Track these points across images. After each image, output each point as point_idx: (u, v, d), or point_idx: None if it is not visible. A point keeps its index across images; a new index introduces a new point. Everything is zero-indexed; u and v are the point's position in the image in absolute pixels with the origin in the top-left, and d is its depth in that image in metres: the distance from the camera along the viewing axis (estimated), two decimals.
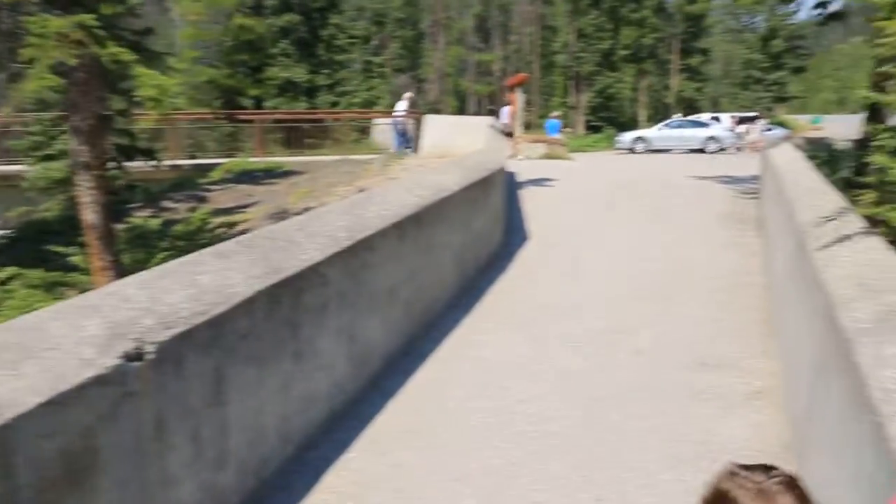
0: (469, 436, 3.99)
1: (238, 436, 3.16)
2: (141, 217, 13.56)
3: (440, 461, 3.71)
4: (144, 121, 13.20)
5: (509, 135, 20.37)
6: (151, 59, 10.62)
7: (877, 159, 8.75)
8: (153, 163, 13.04)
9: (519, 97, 22.02)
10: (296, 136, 20.53)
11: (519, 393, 4.55)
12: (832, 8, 14.21)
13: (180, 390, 2.74)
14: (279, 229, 4.13)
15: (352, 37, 32.56)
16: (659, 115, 34.01)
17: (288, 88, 27.70)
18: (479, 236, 7.70)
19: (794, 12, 42.34)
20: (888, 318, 2.74)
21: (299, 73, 27.92)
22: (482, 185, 7.61)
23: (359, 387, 4.47)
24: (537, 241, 8.99)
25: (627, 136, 25.87)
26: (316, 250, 3.96)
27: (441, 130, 17.06)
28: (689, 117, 28.01)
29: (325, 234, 4.21)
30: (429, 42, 44.96)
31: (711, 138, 24.42)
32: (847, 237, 4.25)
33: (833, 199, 5.47)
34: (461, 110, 39.42)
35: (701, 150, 23.67)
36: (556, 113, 25.99)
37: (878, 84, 11.08)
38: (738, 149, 22.94)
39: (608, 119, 36.14)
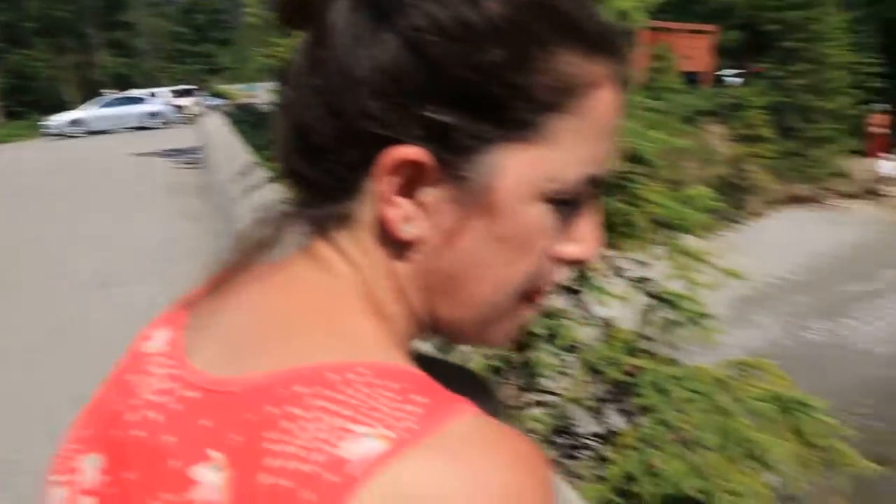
0: None
1: None
2: None
3: None
4: None
5: None
6: None
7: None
8: None
9: None
10: None
11: None
12: None
13: None
14: None
15: None
16: (94, 94, 31.67)
17: None
18: None
19: None
20: None
21: None
22: None
23: None
24: None
25: (59, 120, 23.58)
26: None
27: None
28: (125, 94, 26.97)
29: None
30: None
31: (153, 114, 24.11)
32: (254, 187, 4.80)
33: (244, 157, 6.05)
34: None
35: (144, 127, 23.21)
36: None
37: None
38: (186, 122, 23.22)
39: (32, 103, 32.11)
